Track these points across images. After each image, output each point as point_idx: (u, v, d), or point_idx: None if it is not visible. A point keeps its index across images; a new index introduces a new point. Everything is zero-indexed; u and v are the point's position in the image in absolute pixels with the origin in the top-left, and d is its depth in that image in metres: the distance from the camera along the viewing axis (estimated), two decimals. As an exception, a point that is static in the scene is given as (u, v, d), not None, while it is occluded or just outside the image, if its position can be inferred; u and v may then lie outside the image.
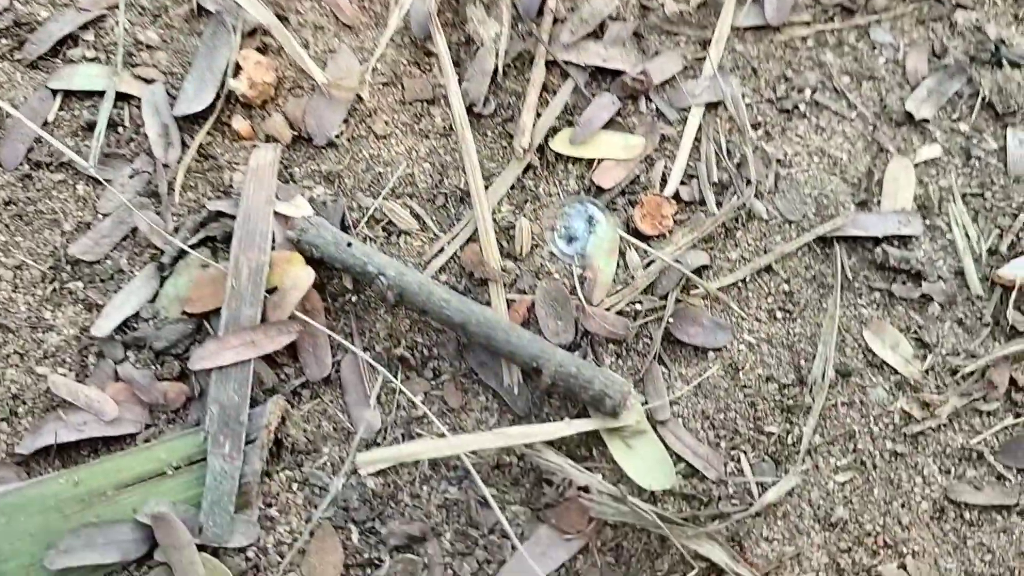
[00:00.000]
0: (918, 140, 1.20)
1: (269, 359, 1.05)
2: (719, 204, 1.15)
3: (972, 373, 1.07)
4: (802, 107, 1.21)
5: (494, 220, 1.13)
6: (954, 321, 1.10)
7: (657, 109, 1.20)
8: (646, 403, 1.05)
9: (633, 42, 1.23)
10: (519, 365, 1.05)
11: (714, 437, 1.05)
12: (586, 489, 0.99)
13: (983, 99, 1.21)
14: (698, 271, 1.11)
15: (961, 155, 1.19)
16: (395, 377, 1.06)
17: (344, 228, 1.11)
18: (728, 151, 1.18)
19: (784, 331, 1.10)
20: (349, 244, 1.05)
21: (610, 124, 1.18)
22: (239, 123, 1.15)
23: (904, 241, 1.14)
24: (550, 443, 1.01)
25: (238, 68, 1.16)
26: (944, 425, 1.06)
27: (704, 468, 1.03)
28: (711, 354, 1.09)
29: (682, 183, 1.16)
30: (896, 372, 1.08)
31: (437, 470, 1.03)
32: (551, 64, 1.21)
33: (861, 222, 1.14)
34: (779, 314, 1.11)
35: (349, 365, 1.07)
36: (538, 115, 1.18)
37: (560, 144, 1.17)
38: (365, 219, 1.12)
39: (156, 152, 1.14)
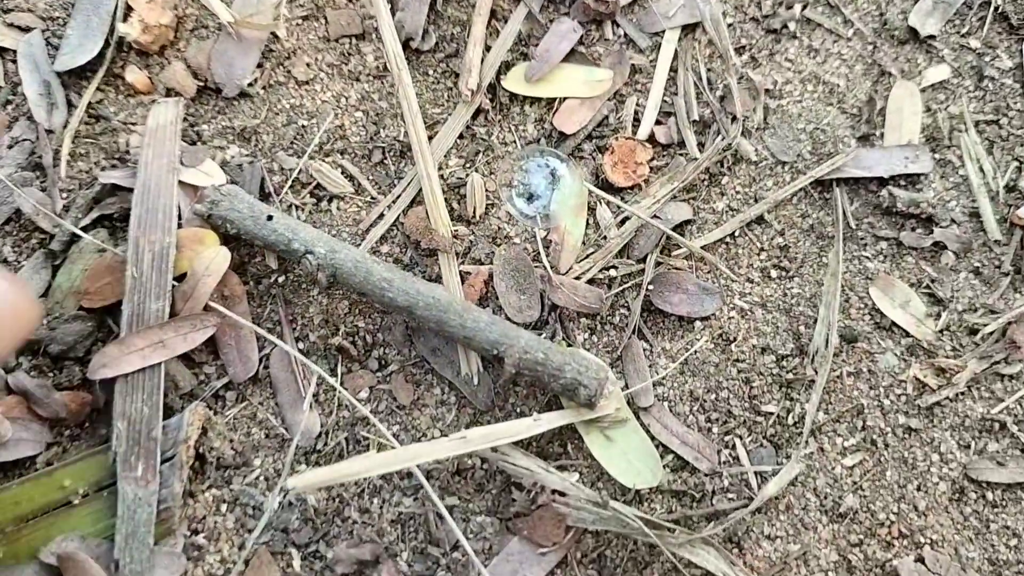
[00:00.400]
0: (924, 60, 1.00)
1: (184, 358, 0.86)
2: (701, 146, 0.96)
3: (992, 332, 0.91)
4: (792, 26, 1.01)
5: (441, 177, 0.93)
6: (970, 271, 0.93)
7: (625, 35, 1.00)
8: (626, 387, 0.88)
9: (594, -44, 1.02)
10: (478, 352, 0.87)
11: (705, 421, 0.89)
12: (561, 493, 0.83)
13: (995, 9, 1.02)
14: (680, 227, 0.93)
15: (972, 76, 1.00)
16: (335, 371, 0.88)
17: (264, 196, 0.91)
18: (709, 82, 0.98)
19: (780, 292, 0.93)
20: (270, 217, 0.86)
21: (571, 56, 0.98)
22: (134, 75, 0.93)
23: (912, 180, 0.96)
24: (518, 443, 0.85)
25: (128, 9, 0.94)
26: (962, 394, 0.90)
27: (695, 459, 0.87)
28: (698, 324, 0.91)
29: (657, 123, 0.97)
30: (907, 334, 0.91)
31: (389, 479, 0.86)
32: (500, -14, 1.00)
33: (863, 160, 0.96)
34: (774, 273, 0.93)
35: (279, 360, 0.88)
36: (487, 48, 0.97)
37: (514, 82, 0.97)
38: (289, 183, 0.92)
39: (37, 116, 0.92)
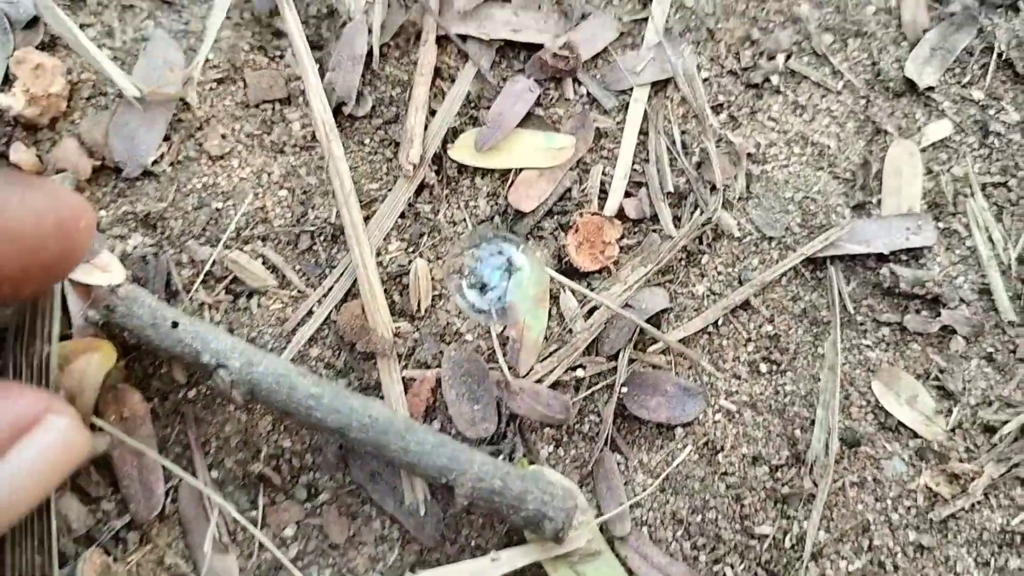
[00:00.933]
0: (922, 115, 0.86)
1: (78, 492, 0.70)
2: (677, 221, 0.81)
3: (1010, 432, 0.77)
4: (775, 79, 0.87)
5: (379, 265, 0.78)
6: (982, 358, 0.80)
7: (588, 94, 0.85)
8: (599, 512, 0.73)
9: (552, 3, 0.87)
10: (423, 479, 0.72)
11: (691, 548, 0.74)
12: (525, 648, 0.68)
13: (999, 55, 0.88)
14: (655, 317, 0.78)
15: (976, 132, 0.86)
16: (255, 503, 0.72)
17: (172, 294, 0.75)
18: (684, 146, 0.83)
19: (771, 390, 0.78)
20: (175, 324, 0.69)
21: (528, 119, 0.83)
22: (19, 154, 0.77)
23: (915, 255, 0.82)
24: (472, 588, 0.70)
25: (10, 77, 0.77)
26: (979, 503, 0.76)
27: (680, 597, 0.72)
28: (679, 431, 0.77)
29: (627, 195, 0.82)
30: (916, 435, 0.77)
31: (320, 635, 0.71)
32: (444, 40, 0.84)
33: (860, 233, 0.81)
34: (763, 367, 0.79)
35: (189, 493, 0.72)
36: (431, 113, 0.82)
37: (462, 152, 0.82)
38: (201, 278, 0.76)
39: (-97, 200, 0.76)
